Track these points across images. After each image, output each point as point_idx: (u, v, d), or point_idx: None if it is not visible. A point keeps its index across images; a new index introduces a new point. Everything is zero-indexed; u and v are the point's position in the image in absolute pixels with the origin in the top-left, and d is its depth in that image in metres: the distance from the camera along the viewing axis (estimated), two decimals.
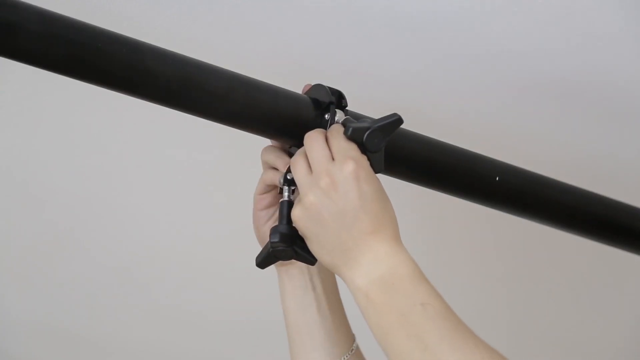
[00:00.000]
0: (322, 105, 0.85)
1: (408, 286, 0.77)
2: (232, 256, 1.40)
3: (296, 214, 0.78)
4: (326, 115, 0.84)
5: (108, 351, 1.63)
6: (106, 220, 1.35)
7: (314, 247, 0.79)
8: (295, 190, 0.84)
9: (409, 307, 0.75)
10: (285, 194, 0.82)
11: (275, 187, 0.89)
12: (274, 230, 0.79)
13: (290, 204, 0.81)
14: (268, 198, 0.91)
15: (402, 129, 0.93)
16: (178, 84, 0.77)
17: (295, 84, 0.89)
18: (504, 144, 1.15)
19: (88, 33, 0.73)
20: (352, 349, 0.94)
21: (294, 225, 0.79)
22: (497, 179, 0.97)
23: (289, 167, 0.83)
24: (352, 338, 0.95)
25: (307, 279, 0.92)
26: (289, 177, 0.83)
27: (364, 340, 0.98)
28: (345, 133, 0.79)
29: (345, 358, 0.93)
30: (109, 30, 0.75)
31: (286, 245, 0.79)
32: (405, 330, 0.75)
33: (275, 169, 0.88)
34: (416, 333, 0.74)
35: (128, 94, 0.77)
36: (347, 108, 0.85)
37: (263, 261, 0.81)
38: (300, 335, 0.94)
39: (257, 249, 0.82)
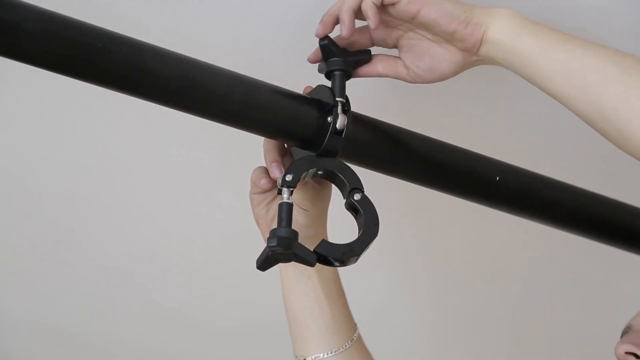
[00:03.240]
0: (325, 107, 0.84)
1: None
2: (232, 257, 1.40)
3: None
4: (329, 118, 0.84)
5: (106, 351, 1.63)
6: (106, 221, 1.34)
7: (450, 4, 0.80)
8: (294, 193, 0.84)
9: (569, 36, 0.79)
10: (285, 195, 0.82)
11: (258, 187, 0.90)
12: (272, 234, 0.79)
13: (289, 206, 0.81)
14: (267, 185, 0.91)
15: (402, 128, 0.94)
16: (178, 84, 0.77)
17: (297, 84, 0.89)
18: (504, 144, 1.15)
19: (88, 33, 0.73)
20: (353, 339, 0.95)
21: None
22: (497, 178, 0.97)
23: (287, 168, 0.83)
24: (353, 328, 0.96)
25: (302, 268, 0.92)
26: (287, 179, 0.82)
27: (368, 334, 0.98)
28: None
29: (344, 347, 0.94)
30: (109, 30, 0.75)
31: (284, 248, 0.78)
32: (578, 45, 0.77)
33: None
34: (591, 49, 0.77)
35: (128, 94, 0.77)
36: (350, 110, 0.85)
37: (263, 264, 0.81)
38: (297, 324, 0.95)
39: (257, 250, 0.82)
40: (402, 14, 0.81)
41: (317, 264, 0.81)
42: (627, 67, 0.75)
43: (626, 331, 0.87)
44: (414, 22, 0.82)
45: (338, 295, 0.95)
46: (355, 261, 0.81)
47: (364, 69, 0.88)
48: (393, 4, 0.81)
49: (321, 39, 0.85)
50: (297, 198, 0.90)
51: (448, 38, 0.82)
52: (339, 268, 0.95)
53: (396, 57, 0.88)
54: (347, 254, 0.80)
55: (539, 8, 0.97)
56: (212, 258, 1.42)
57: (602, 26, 1.00)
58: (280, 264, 0.92)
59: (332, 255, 0.80)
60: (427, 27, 0.82)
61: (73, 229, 1.37)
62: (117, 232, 1.37)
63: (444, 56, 0.84)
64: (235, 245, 1.37)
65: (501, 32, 0.80)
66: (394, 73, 0.87)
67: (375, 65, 0.88)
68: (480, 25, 0.80)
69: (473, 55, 0.83)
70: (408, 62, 0.86)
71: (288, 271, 0.94)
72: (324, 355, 0.93)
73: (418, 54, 0.85)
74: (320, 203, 0.93)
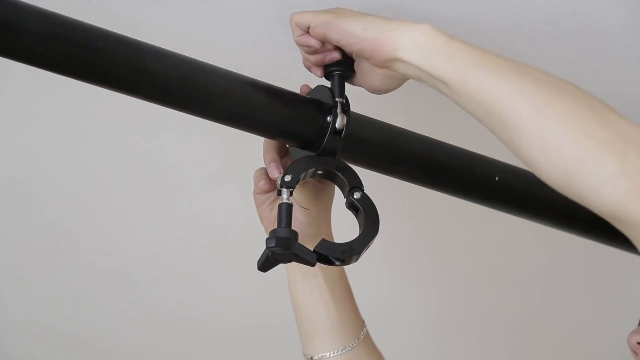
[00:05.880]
0: (325, 107, 0.84)
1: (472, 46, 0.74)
2: (231, 258, 1.40)
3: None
4: (328, 118, 0.84)
5: (105, 352, 1.64)
6: (104, 222, 1.34)
7: (351, 23, 0.77)
8: (294, 192, 0.84)
9: (488, 54, 0.73)
10: (284, 196, 0.82)
11: (258, 188, 0.90)
12: (271, 235, 0.79)
13: (288, 207, 0.81)
14: (265, 186, 0.91)
15: (402, 129, 0.94)
16: (177, 84, 0.77)
17: (297, 84, 0.89)
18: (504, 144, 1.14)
19: (88, 33, 0.73)
20: (360, 337, 0.94)
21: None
22: (497, 179, 0.97)
23: (287, 169, 0.83)
24: (360, 326, 0.95)
25: (306, 266, 0.92)
26: (286, 180, 0.82)
27: (373, 333, 0.98)
28: None
29: (351, 346, 0.94)
30: (108, 30, 0.75)
31: (284, 248, 0.78)
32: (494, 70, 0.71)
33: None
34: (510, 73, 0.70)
35: (127, 94, 0.77)
36: (349, 110, 0.85)
37: (263, 265, 0.81)
38: (303, 322, 0.95)
39: (257, 251, 0.82)
40: (318, 38, 0.81)
41: None
42: (542, 96, 0.69)
43: None
44: (328, 45, 0.82)
45: (344, 293, 0.95)
46: (357, 260, 0.81)
47: None
48: (309, 31, 0.81)
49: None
50: (298, 197, 0.90)
51: (359, 55, 0.81)
52: (345, 267, 0.95)
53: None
54: (347, 252, 0.80)
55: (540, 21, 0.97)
56: (211, 259, 1.42)
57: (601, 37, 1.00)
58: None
59: (332, 255, 0.80)
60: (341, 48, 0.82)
61: (72, 230, 1.37)
62: (116, 233, 1.37)
63: (370, 72, 0.82)
64: (234, 246, 1.37)
65: (413, 52, 0.74)
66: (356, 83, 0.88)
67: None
68: (385, 41, 0.75)
69: (392, 71, 0.78)
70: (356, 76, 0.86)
71: (294, 269, 0.94)
72: (330, 354, 0.93)
73: (357, 68, 0.85)
74: (322, 202, 0.92)
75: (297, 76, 0.91)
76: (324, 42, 0.82)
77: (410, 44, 0.74)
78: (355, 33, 0.77)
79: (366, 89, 0.85)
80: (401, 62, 0.76)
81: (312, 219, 0.91)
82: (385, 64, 0.77)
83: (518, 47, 1.01)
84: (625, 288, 1.49)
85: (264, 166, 0.90)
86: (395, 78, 0.80)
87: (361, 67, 0.83)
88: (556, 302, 1.53)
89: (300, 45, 0.83)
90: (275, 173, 0.86)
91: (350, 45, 0.79)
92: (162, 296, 1.50)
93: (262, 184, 0.89)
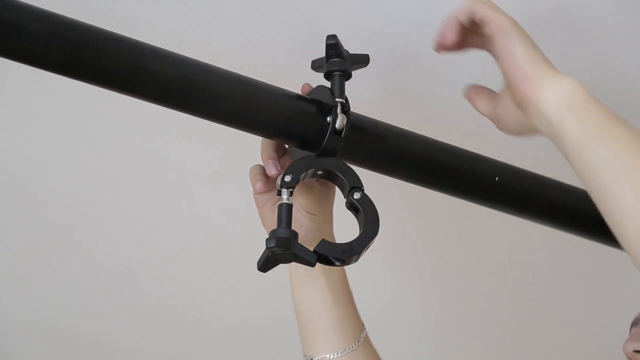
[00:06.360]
0: (325, 108, 0.84)
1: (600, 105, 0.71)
2: (232, 258, 1.40)
3: (502, 17, 0.73)
4: (328, 118, 0.84)
5: (106, 351, 1.64)
6: (106, 221, 1.34)
7: (521, 40, 0.72)
8: (294, 192, 0.84)
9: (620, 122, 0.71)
10: (284, 196, 0.82)
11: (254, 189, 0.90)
12: (271, 235, 0.79)
13: (288, 207, 0.81)
14: (262, 187, 0.91)
15: (402, 129, 0.94)
16: (177, 84, 0.77)
17: (297, 84, 0.89)
18: (504, 144, 1.15)
19: (88, 33, 0.73)
20: (360, 340, 0.95)
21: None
22: (497, 179, 0.97)
23: (286, 169, 0.83)
24: (360, 329, 0.96)
25: (309, 268, 0.91)
26: (286, 180, 0.82)
27: (374, 335, 0.98)
28: None
29: (351, 349, 0.94)
30: (108, 30, 0.75)
31: (284, 249, 0.78)
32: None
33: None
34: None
35: (127, 94, 0.77)
36: (349, 110, 0.85)
37: (263, 265, 0.81)
38: (305, 324, 0.95)
39: (257, 251, 0.82)
40: (483, 33, 0.76)
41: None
42: None
43: (636, 322, 0.86)
44: (489, 49, 0.77)
45: (345, 296, 0.95)
46: (357, 260, 0.81)
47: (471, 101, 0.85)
48: (475, 18, 0.76)
49: (329, 38, 0.85)
50: (304, 203, 0.90)
51: (505, 76, 0.75)
52: (346, 268, 0.95)
53: (497, 95, 0.83)
54: (347, 252, 0.80)
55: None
56: (212, 259, 1.42)
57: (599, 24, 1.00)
58: (288, 265, 0.92)
59: (332, 255, 0.80)
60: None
61: (73, 229, 1.37)
62: (117, 233, 1.37)
63: (507, 103, 0.78)
64: (235, 246, 1.37)
65: (555, 107, 0.71)
66: (489, 113, 0.83)
67: (477, 101, 0.85)
68: (535, 83, 0.72)
69: (525, 115, 0.75)
70: (501, 102, 0.80)
71: (297, 272, 0.94)
72: (330, 356, 0.94)
73: (500, 95, 0.80)
74: (326, 205, 0.93)
75: (297, 76, 0.91)
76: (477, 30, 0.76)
77: (558, 98, 0.71)
78: (517, 55, 0.72)
79: (499, 121, 0.81)
80: (538, 112, 0.72)
81: (317, 224, 0.91)
82: (523, 104, 0.74)
83: None
84: (624, 288, 1.49)
85: (257, 165, 0.90)
86: (524, 123, 0.77)
87: (503, 95, 0.80)
88: (556, 302, 1.53)
89: (459, 16, 0.76)
90: (273, 170, 0.86)
91: (507, 62, 0.73)
92: (162, 296, 1.50)
93: (259, 185, 0.88)
